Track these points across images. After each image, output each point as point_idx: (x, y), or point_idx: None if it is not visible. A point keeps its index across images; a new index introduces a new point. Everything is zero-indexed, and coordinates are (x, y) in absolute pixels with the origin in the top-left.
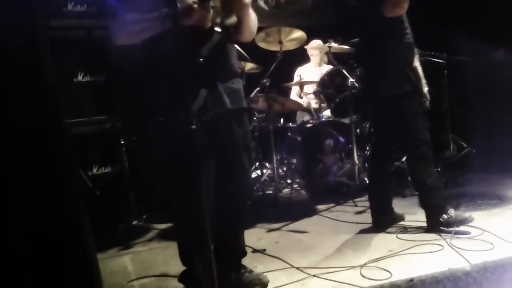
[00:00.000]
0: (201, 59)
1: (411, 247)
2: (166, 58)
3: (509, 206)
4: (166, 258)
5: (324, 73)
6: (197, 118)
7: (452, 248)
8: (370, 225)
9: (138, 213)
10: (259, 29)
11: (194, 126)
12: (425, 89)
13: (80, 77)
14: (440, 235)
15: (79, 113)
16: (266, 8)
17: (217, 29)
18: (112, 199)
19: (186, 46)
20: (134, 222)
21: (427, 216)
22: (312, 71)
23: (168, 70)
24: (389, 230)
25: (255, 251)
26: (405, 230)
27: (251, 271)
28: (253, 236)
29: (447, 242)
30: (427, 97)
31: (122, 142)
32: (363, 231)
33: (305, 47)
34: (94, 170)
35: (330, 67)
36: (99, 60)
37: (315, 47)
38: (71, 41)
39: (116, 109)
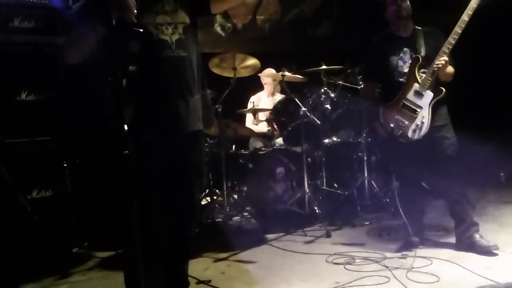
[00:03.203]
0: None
1: (358, 279)
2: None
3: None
4: None
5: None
6: (137, 139)
7: (398, 280)
8: (319, 254)
9: (80, 239)
10: (213, 54)
11: (126, 152)
12: None
13: (23, 96)
14: (387, 267)
15: (21, 133)
16: (223, 34)
17: (170, 36)
18: (52, 224)
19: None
20: (75, 250)
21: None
22: (265, 99)
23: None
24: (337, 260)
25: (199, 282)
26: (353, 261)
27: None
28: (199, 266)
29: (393, 274)
30: None
31: (65, 164)
32: (311, 262)
33: (259, 74)
34: (34, 193)
35: (283, 96)
36: (45, 78)
37: (268, 74)
38: (16, 57)
39: (61, 130)
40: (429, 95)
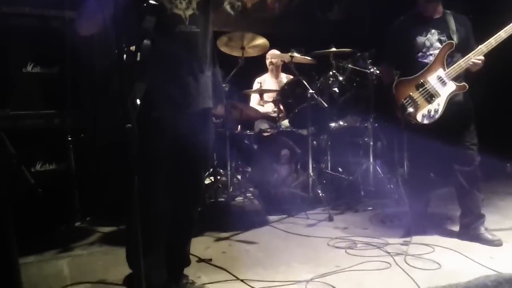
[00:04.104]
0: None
1: (358, 264)
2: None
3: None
4: (106, 263)
5: (283, 82)
6: (146, 115)
7: (399, 266)
8: (321, 238)
9: (82, 214)
10: (222, 33)
11: (129, 125)
12: None
13: (29, 68)
14: (388, 252)
15: (26, 106)
16: (232, 13)
17: (184, 11)
18: (55, 198)
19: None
20: (77, 224)
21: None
22: (269, 81)
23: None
24: (338, 245)
25: (200, 260)
26: (354, 245)
27: (193, 283)
28: (201, 245)
29: (394, 260)
30: None
31: (70, 138)
32: (312, 245)
33: (267, 55)
34: (38, 167)
35: (289, 78)
36: (52, 52)
37: (274, 55)
38: (23, 29)
39: (67, 104)
40: (452, 86)
